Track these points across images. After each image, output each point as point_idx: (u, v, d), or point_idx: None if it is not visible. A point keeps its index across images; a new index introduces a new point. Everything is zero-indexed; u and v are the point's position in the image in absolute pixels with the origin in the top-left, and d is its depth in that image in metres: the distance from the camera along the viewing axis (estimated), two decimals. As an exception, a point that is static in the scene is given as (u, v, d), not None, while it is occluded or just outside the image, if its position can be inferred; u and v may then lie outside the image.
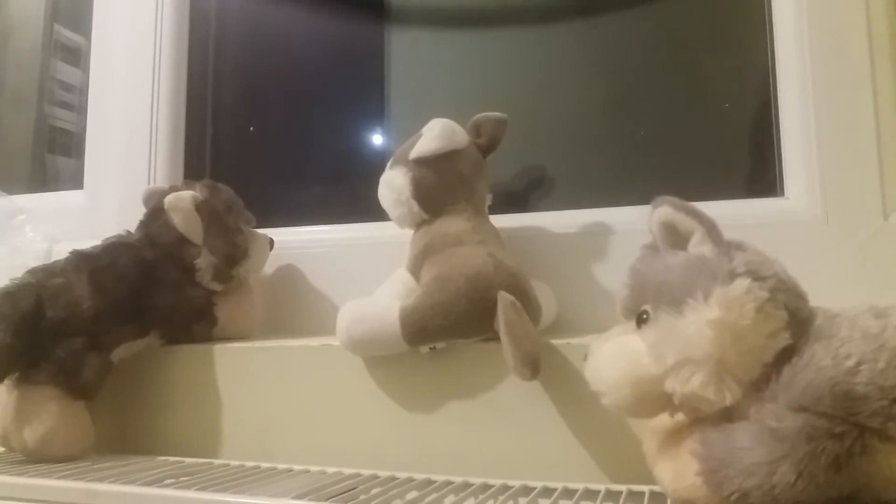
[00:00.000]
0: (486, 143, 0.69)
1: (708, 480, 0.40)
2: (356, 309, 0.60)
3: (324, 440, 0.63)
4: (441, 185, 0.66)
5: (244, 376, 0.66)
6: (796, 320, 0.40)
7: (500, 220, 0.69)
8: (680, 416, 0.44)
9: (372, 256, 0.77)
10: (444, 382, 0.60)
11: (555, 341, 0.57)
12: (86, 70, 0.99)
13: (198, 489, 0.49)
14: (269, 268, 0.81)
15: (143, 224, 0.72)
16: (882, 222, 0.63)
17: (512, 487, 0.51)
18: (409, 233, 0.68)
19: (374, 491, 0.50)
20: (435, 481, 0.53)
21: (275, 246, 0.79)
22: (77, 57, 1.11)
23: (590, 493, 0.49)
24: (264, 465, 0.60)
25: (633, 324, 0.44)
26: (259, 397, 0.66)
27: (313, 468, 0.59)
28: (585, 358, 0.46)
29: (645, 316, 0.43)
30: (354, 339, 0.59)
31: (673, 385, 0.40)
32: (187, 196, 0.70)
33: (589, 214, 0.73)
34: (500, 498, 0.48)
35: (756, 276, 0.39)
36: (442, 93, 0.89)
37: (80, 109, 1.02)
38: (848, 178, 0.64)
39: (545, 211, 0.77)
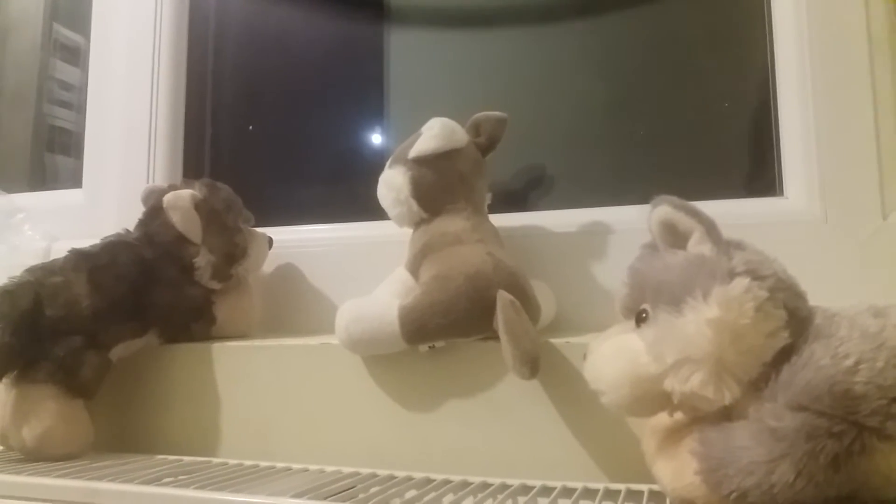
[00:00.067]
0: (486, 142, 0.69)
1: (707, 479, 0.40)
2: (355, 308, 0.60)
3: (323, 439, 0.63)
4: (440, 184, 0.66)
5: (243, 375, 0.66)
6: (795, 319, 0.40)
7: (500, 220, 0.69)
8: (679, 415, 0.44)
9: (371, 255, 0.77)
10: (444, 381, 0.60)
11: (554, 340, 0.57)
12: (85, 69, 0.99)
13: (196, 488, 0.49)
14: (268, 267, 0.81)
15: (142, 223, 0.72)
16: (881, 222, 0.63)
17: (511, 486, 0.51)
18: (408, 232, 0.68)
19: (373, 490, 0.50)
20: (434, 480, 0.53)
21: (274, 245, 0.79)
22: (76, 56, 1.11)
23: (589, 492, 0.49)
24: (263, 463, 0.60)
25: (632, 323, 0.44)
26: (258, 396, 0.65)
27: (312, 467, 0.59)
28: (584, 357, 0.46)
29: (644, 315, 0.43)
30: (353, 337, 0.59)
31: (672, 384, 0.40)
32: (186, 195, 0.70)
33: (588, 214, 0.73)
34: (499, 497, 0.48)
35: (755, 276, 0.39)
36: (441, 92, 0.89)
37: (80, 108, 1.02)
38: (847, 177, 0.64)
39: (544, 210, 0.77)
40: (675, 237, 0.43)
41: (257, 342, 0.68)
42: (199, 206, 0.70)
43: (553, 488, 0.50)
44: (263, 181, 0.95)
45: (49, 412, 0.60)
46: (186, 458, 0.63)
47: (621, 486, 0.50)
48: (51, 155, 1.11)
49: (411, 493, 0.49)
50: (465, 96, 0.87)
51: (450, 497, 0.49)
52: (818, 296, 0.43)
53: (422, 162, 0.66)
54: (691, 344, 0.39)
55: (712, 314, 0.38)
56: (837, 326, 0.39)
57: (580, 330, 0.66)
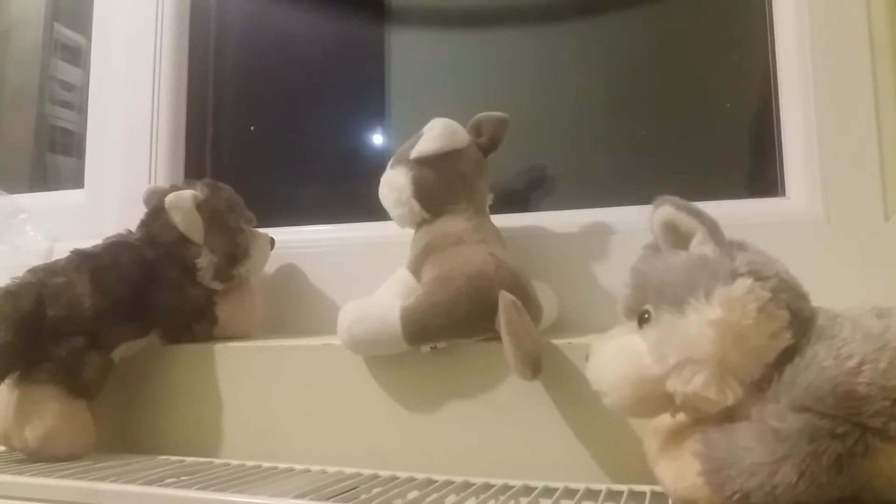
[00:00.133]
0: (487, 142, 0.69)
1: (709, 481, 0.40)
2: (357, 308, 0.60)
3: (325, 440, 0.63)
4: (442, 185, 0.66)
5: (245, 376, 0.66)
6: (798, 320, 0.40)
7: (501, 220, 0.69)
8: (681, 416, 0.44)
9: (373, 256, 0.77)
10: (445, 382, 0.60)
11: (556, 341, 0.57)
12: (86, 69, 0.99)
13: (198, 488, 0.49)
14: (270, 267, 0.81)
15: (144, 223, 0.72)
16: (883, 222, 0.63)
17: (513, 487, 0.51)
18: (409, 232, 0.68)
19: (375, 490, 0.50)
20: (436, 481, 0.53)
21: (276, 245, 0.79)
22: (77, 56, 1.11)
23: (591, 493, 0.49)
24: (265, 464, 0.60)
25: (634, 324, 0.44)
26: (260, 397, 0.65)
27: (314, 468, 0.59)
28: (587, 358, 0.46)
29: (646, 316, 0.43)
30: (355, 338, 0.59)
31: (674, 385, 0.40)
32: (188, 195, 0.70)
33: (590, 214, 0.73)
34: (502, 498, 0.48)
35: (758, 276, 0.39)
36: (442, 92, 0.89)
37: (81, 109, 1.02)
38: (849, 177, 0.64)
39: (546, 211, 0.77)
40: (677, 238, 0.43)
41: (259, 343, 0.68)
42: (200, 206, 0.70)
43: (555, 489, 0.50)
44: (265, 181, 0.95)
45: (51, 413, 0.60)
46: (189, 459, 0.63)
47: (624, 488, 0.50)
48: (52, 155, 1.11)
49: (413, 494, 0.49)
50: (466, 96, 0.87)
51: (452, 498, 0.49)
52: (820, 296, 0.43)
53: (423, 162, 0.66)
54: (694, 345, 0.39)
55: (715, 315, 0.38)
56: (840, 327, 0.39)
57: (582, 331, 0.65)
